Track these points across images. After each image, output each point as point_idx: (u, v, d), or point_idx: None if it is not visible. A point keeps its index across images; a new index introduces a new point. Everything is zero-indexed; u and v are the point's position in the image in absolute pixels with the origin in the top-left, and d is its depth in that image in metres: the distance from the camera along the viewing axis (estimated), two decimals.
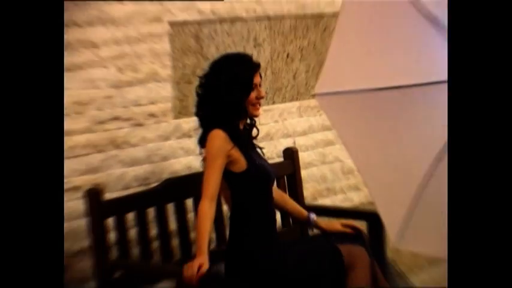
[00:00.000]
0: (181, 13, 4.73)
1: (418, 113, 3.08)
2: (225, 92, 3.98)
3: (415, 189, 3.08)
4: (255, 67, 4.05)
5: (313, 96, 4.24)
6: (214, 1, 4.93)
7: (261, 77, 4.10)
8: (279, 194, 4.51)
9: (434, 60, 2.89)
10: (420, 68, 2.99)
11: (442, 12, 2.77)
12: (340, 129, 3.43)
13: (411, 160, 3.12)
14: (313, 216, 4.50)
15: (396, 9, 3.02)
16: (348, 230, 4.41)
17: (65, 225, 4.09)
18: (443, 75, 2.65)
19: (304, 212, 4.54)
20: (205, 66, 4.27)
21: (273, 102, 5.19)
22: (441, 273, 5.40)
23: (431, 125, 3.05)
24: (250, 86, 4.00)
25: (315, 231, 4.64)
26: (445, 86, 2.57)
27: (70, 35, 4.17)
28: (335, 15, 5.18)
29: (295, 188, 4.94)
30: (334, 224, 4.49)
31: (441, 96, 2.68)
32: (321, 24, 5.68)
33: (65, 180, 4.11)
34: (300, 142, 5.33)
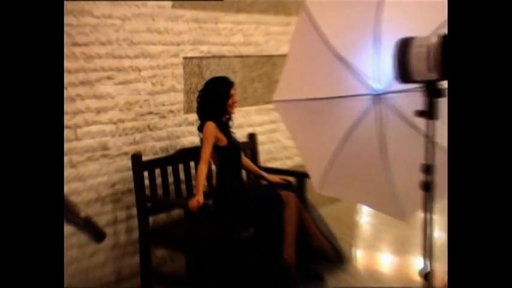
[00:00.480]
0: (190, 52, 5.06)
1: (340, 111, 3.13)
2: (213, 99, 4.55)
3: (331, 153, 3.18)
4: (231, 84, 4.60)
5: (268, 102, 4.84)
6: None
7: (235, 90, 4.63)
8: (245, 160, 4.96)
9: (342, 81, 3.09)
10: (341, 85, 3.10)
11: (346, 52, 3.03)
12: (288, 123, 3.58)
13: (331, 135, 3.17)
14: (264, 173, 5.05)
15: (320, 46, 3.08)
16: (284, 182, 4.93)
17: (118, 175, 4.52)
18: (354, 91, 3.04)
19: (259, 171, 5.06)
20: (203, 83, 4.76)
21: (242, 106, 5.40)
22: (336, 208, 5.92)
23: (346, 116, 3.10)
24: (228, 95, 4.54)
25: (265, 182, 5.07)
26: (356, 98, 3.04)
27: (125, 63, 4.54)
28: (280, 56, 5.67)
29: (254, 156, 5.35)
30: (276, 178, 4.99)
31: (350, 102, 3.08)
32: (271, 60, 5.96)
33: (118, 149, 4.53)
34: (257, 130, 5.59)
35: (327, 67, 3.11)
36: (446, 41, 2.32)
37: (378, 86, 3.03)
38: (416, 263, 5.29)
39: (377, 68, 2.99)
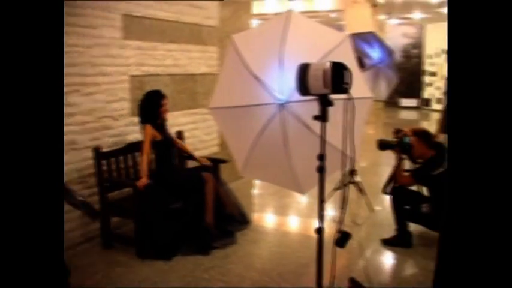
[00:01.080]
0: (135, 71, 4.97)
1: (255, 115, 3.10)
2: (149, 107, 4.52)
3: (249, 147, 3.18)
4: (162, 96, 4.55)
5: (191, 108, 4.70)
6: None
7: (166, 100, 4.57)
8: (184, 146, 5.02)
9: (257, 93, 3.05)
10: (255, 96, 3.07)
11: (259, 72, 3.03)
12: (220, 124, 3.61)
13: (249, 133, 3.17)
14: (195, 154, 5.05)
15: (241, 67, 3.10)
16: (208, 162, 4.90)
17: (84, 163, 4.42)
18: (265, 101, 3.05)
19: (193, 153, 5.05)
20: (142, 95, 4.61)
21: (172, 111, 5.29)
22: (239, 184, 6.06)
23: (259, 119, 3.10)
24: (160, 104, 4.52)
25: (190, 166, 5.08)
26: (266, 106, 3.05)
27: (88, 80, 4.40)
28: (199, 74, 5.74)
29: (183, 147, 5.05)
30: (203, 159, 4.96)
31: (262, 109, 3.08)
32: (193, 78, 5.86)
33: (83, 143, 4.41)
34: (183, 128, 5.43)
35: (246, 83, 3.13)
36: (334, 67, 2.41)
37: (282, 97, 3.06)
38: (295, 220, 5.53)
39: (281, 84, 3.03)
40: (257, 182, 6.93)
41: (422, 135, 4.52)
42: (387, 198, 4.94)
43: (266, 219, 5.60)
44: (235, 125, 3.35)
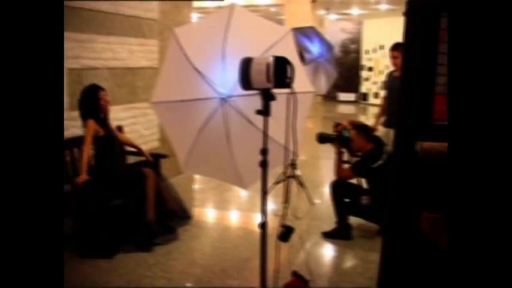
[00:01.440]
0: (73, 64, 4.84)
1: (197, 109, 3.11)
2: (88, 101, 4.44)
3: (191, 142, 3.19)
4: (100, 88, 4.49)
5: (131, 102, 4.69)
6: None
7: (105, 94, 4.49)
8: (128, 140, 4.99)
9: (199, 87, 3.06)
10: (198, 91, 3.08)
11: (201, 66, 3.02)
12: (162, 118, 3.54)
13: (191, 128, 3.17)
14: (140, 147, 4.99)
15: (183, 62, 3.09)
16: (149, 157, 4.91)
17: None
18: (207, 95, 3.04)
19: (138, 146, 5.01)
20: (82, 89, 4.53)
21: (112, 105, 4.96)
22: (180, 179, 6.02)
23: (201, 113, 3.11)
24: (98, 97, 4.43)
25: (131, 160, 5.03)
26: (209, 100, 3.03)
27: None
28: (139, 68, 5.66)
29: (129, 141, 4.98)
30: (146, 154, 4.93)
31: (204, 103, 3.07)
32: (133, 72, 5.75)
33: None
34: (122, 123, 5.30)
35: (188, 77, 3.11)
36: (277, 61, 2.41)
37: (224, 91, 3.05)
38: (236, 215, 5.55)
39: (224, 78, 3.01)
40: (198, 177, 6.91)
41: (361, 128, 4.63)
42: (327, 192, 5.02)
43: (207, 214, 5.59)
44: (177, 120, 3.32)
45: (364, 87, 19.30)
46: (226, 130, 3.05)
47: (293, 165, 5.66)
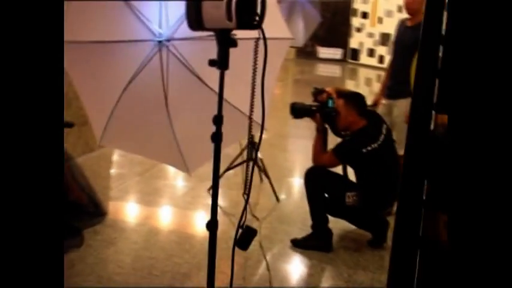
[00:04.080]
0: None
1: (122, 56, 3.13)
2: None
3: (113, 103, 3.18)
4: None
5: None
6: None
7: None
8: None
9: (126, 25, 3.03)
10: (124, 29, 3.06)
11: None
12: (70, 68, 3.31)
13: (113, 83, 3.18)
14: None
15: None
16: None
17: None
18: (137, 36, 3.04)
19: None
20: None
21: None
22: (90, 159, 6.07)
23: (128, 63, 3.11)
24: None
25: None
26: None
27: None
28: None
29: None
30: None
31: (133, 47, 3.06)
32: None
33: None
34: None
35: (111, 10, 3.07)
36: None
37: (162, 31, 3.03)
38: (170, 212, 5.55)
39: (163, 13, 2.98)
40: (117, 157, 6.92)
41: (351, 98, 4.69)
42: (298, 183, 5.07)
43: (129, 210, 5.61)
44: (93, 70, 3.28)
45: (354, 41, 19.51)
46: (163, 88, 3.04)
47: (253, 143, 5.78)
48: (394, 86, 5.54)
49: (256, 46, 2.51)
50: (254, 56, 2.53)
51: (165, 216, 5.57)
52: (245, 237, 2.74)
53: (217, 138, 2.59)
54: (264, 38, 2.44)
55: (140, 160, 6.31)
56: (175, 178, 6.06)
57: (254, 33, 2.47)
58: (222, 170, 4.22)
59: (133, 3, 3.02)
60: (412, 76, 3.03)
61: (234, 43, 2.49)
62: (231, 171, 5.92)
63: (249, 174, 2.82)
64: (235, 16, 2.35)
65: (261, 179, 5.95)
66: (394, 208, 4.89)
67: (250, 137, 5.50)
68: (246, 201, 2.78)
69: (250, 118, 2.65)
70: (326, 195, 4.70)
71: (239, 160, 5.90)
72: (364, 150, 4.47)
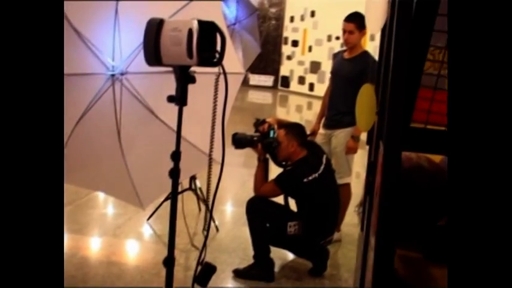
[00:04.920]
0: None
1: (75, 90, 3.01)
2: None
3: (66, 137, 3.07)
4: None
5: None
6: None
7: None
8: None
9: (79, 58, 3.00)
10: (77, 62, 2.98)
11: (84, 28, 2.96)
12: None
13: (66, 117, 2.59)
14: None
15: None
16: None
17: None
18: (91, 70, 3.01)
19: None
20: None
21: None
22: None
23: (81, 96, 3.07)
24: None
25: None
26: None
27: None
28: None
29: None
30: None
31: (86, 80, 3.02)
32: None
33: None
34: None
35: (65, 41, 2.99)
36: (203, 27, 2.38)
37: (116, 64, 3.03)
38: (100, 242, 5.42)
39: (116, 46, 2.98)
40: None
41: (292, 129, 4.74)
42: (238, 212, 5.06)
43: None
44: None
45: (285, 69, 19.74)
46: (116, 121, 3.04)
47: (193, 176, 5.74)
48: (333, 117, 5.63)
49: (217, 82, 2.54)
50: (215, 91, 2.57)
51: (97, 246, 5.42)
52: (205, 273, 2.75)
53: (175, 174, 2.61)
54: (225, 74, 2.49)
55: (75, 189, 6.18)
56: (102, 205, 6.00)
57: (211, 69, 2.51)
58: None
59: (85, 35, 3.00)
60: (359, 108, 3.16)
61: (193, 79, 2.52)
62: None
63: (204, 204, 2.84)
64: (196, 53, 2.37)
65: (200, 209, 5.94)
66: (334, 236, 5.08)
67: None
68: (206, 237, 2.80)
69: (210, 154, 2.68)
70: (268, 225, 4.72)
71: (179, 189, 5.84)
72: (305, 180, 4.53)
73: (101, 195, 6.36)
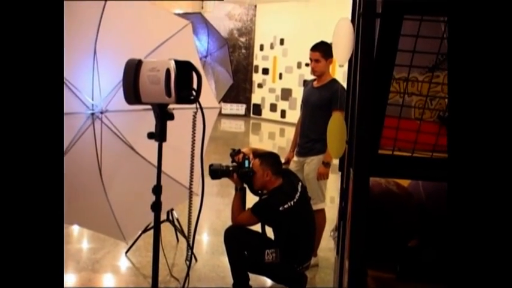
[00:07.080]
0: None
1: None
2: None
3: None
4: None
5: None
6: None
7: None
8: None
9: None
10: None
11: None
12: None
13: None
14: None
15: None
16: None
17: None
18: (71, 109, 3.03)
19: None
20: None
21: None
22: None
23: (66, 132, 3.01)
24: None
25: None
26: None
27: None
28: None
29: None
30: None
31: (67, 120, 2.80)
32: None
33: None
34: None
35: None
36: (180, 67, 2.49)
37: (95, 103, 3.09)
38: (73, 277, 5.42)
39: (95, 85, 3.04)
40: None
41: (267, 158, 4.85)
42: (215, 241, 5.10)
43: None
44: None
45: (257, 97, 19.86)
46: (97, 158, 3.08)
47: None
48: (304, 144, 5.74)
49: (194, 117, 2.64)
50: (192, 126, 2.66)
51: (76, 282, 5.38)
52: None
53: (157, 207, 2.68)
54: (202, 110, 2.59)
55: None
56: (85, 241, 6.00)
57: (188, 105, 2.62)
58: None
59: (65, 76, 3.06)
60: (330, 136, 3.23)
61: (171, 116, 2.61)
62: (148, 232, 5.89)
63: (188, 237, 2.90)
64: (174, 92, 2.48)
65: (178, 240, 5.99)
66: (312, 261, 5.17)
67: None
68: (189, 267, 2.87)
69: (190, 187, 2.77)
70: (246, 253, 4.78)
71: None
72: (280, 209, 4.60)
73: (75, 231, 6.36)
